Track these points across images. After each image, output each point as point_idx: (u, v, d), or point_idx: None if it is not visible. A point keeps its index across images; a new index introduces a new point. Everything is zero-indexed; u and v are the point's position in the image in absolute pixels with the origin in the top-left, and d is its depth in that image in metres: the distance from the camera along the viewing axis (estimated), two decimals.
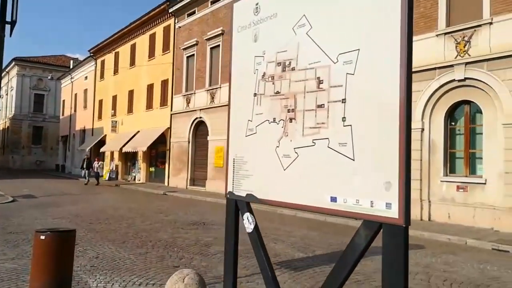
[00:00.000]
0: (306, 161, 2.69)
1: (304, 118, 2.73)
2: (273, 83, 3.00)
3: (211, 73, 21.90)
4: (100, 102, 34.48)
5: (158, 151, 26.15)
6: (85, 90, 37.67)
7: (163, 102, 25.64)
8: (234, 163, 3.35)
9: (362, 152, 2.35)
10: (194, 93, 22.90)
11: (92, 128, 35.29)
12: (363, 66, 2.37)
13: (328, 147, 2.54)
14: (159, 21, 26.56)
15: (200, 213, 13.04)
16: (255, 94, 3.16)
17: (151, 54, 27.27)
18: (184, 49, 23.79)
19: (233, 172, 3.35)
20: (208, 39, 21.89)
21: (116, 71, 32.04)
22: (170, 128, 24.79)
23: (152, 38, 27.29)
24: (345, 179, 2.43)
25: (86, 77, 37.89)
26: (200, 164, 22.21)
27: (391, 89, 2.21)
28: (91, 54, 35.92)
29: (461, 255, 7.73)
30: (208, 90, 21.89)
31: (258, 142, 3.09)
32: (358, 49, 2.40)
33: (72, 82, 41.19)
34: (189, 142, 23.18)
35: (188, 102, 23.43)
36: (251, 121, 3.18)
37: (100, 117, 34.32)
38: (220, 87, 21.03)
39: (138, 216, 11.76)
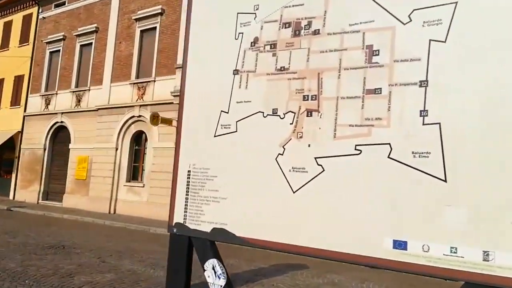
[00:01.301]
0: (340, 180, 1.65)
1: (338, 111, 1.69)
2: (274, 55, 1.90)
3: (79, 73, 19.15)
4: None
5: (2, 158, 21.84)
6: None
7: (15, 101, 21.60)
8: (189, 178, 2.11)
9: (462, 167, 1.41)
10: (56, 93, 19.74)
11: None
12: (466, 28, 1.46)
13: (390, 157, 1.55)
14: (19, 8, 22.64)
15: (57, 233, 10.66)
16: (236, 72, 2.01)
17: (5, 44, 22.99)
18: (48, 43, 20.50)
19: (187, 192, 2.10)
20: (79, 35, 19.19)
21: None
22: (21, 132, 20.93)
23: (8, 26, 23.07)
24: (427, 213, 1.46)
25: None
26: (57, 176, 19.05)
27: None
28: None
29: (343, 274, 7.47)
30: (74, 91, 19.05)
31: (241, 146, 1.94)
32: (456, 1, 1.49)
33: None
34: (45, 150, 19.78)
35: (47, 104, 20.07)
36: (226, 112, 2.01)
37: None
38: (89, 90, 18.50)
39: None
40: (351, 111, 1.65)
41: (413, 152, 1.51)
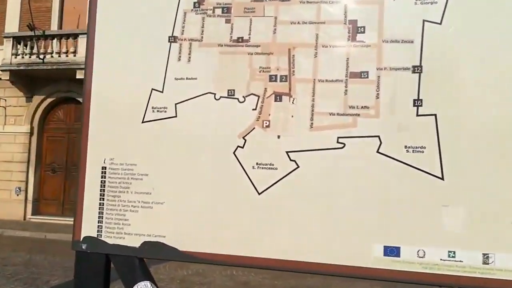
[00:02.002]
0: (319, 178, 1.39)
1: (315, 96, 1.41)
2: (228, 21, 1.50)
3: None
4: None
5: None
6: None
7: None
8: (104, 178, 1.57)
9: (460, 164, 1.29)
10: None
11: None
12: (464, 11, 1.32)
13: (379, 152, 1.35)
14: None
15: None
16: (173, 39, 1.55)
17: None
18: None
19: (102, 196, 1.57)
20: None
21: None
22: None
23: None
24: (423, 215, 1.31)
25: None
26: None
27: None
28: None
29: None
30: None
31: (183, 136, 1.51)
32: None
33: None
34: None
35: None
36: (159, 91, 1.54)
37: None
38: None
39: None
40: (332, 97, 1.40)
41: (406, 147, 1.33)
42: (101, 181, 1.57)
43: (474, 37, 1.30)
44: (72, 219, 1.63)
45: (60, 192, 13.28)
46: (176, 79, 1.53)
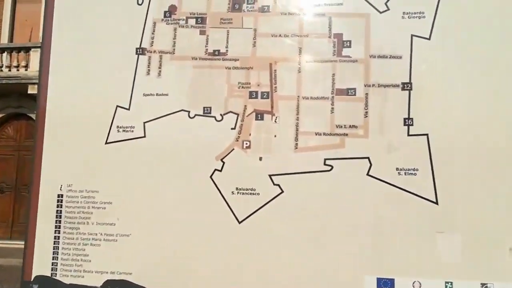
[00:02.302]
0: (306, 204, 1.27)
1: (299, 114, 1.30)
2: (203, 33, 1.37)
3: None
4: None
5: None
6: None
7: None
8: (60, 207, 1.37)
9: (454, 187, 1.22)
10: None
11: None
12: (453, 26, 1.26)
13: (369, 175, 1.25)
14: None
15: None
16: (141, 51, 1.39)
17: None
18: None
19: (57, 228, 1.37)
20: None
21: None
22: None
23: None
24: (417, 242, 1.22)
25: None
26: None
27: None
28: None
29: None
30: None
31: (153, 159, 1.34)
32: None
33: None
34: None
35: None
36: (126, 109, 1.37)
37: None
38: None
39: None
40: (318, 116, 1.29)
41: (397, 169, 1.24)
42: (57, 210, 1.38)
43: (465, 53, 1.25)
44: (23, 242, 1.42)
45: (9, 214, 12.42)
46: (144, 95, 1.37)
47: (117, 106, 1.38)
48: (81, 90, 1.41)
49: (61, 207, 1.37)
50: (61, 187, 1.38)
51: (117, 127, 1.37)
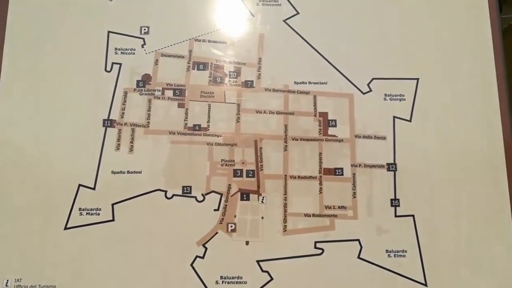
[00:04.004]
0: None
1: (287, 194, 1.24)
2: (181, 106, 1.27)
3: None
4: None
5: None
6: None
7: None
8: None
9: (442, 268, 1.22)
10: None
11: None
12: (433, 109, 1.32)
13: (360, 258, 1.21)
14: None
15: None
16: (109, 123, 1.25)
17: None
18: None
19: None
20: None
21: None
22: None
23: None
24: None
25: None
26: None
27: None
28: None
29: None
30: None
31: (124, 246, 1.17)
32: (417, 78, 1.34)
33: None
34: None
35: None
36: (91, 188, 1.20)
37: None
38: None
39: None
40: (306, 196, 1.24)
41: (387, 251, 1.22)
42: None
43: (444, 136, 1.30)
44: None
45: None
46: (113, 172, 1.22)
47: (80, 185, 1.20)
48: (34, 166, 1.21)
49: None
50: (6, 283, 1.14)
51: (80, 209, 1.19)
